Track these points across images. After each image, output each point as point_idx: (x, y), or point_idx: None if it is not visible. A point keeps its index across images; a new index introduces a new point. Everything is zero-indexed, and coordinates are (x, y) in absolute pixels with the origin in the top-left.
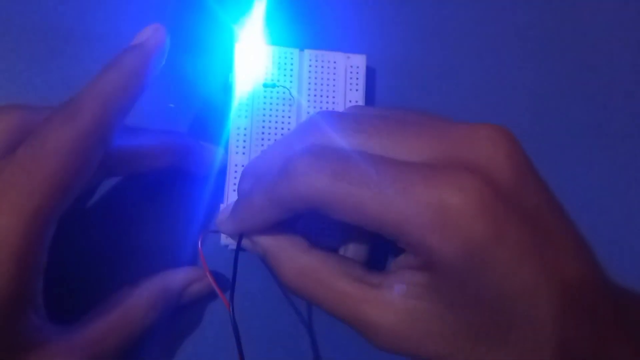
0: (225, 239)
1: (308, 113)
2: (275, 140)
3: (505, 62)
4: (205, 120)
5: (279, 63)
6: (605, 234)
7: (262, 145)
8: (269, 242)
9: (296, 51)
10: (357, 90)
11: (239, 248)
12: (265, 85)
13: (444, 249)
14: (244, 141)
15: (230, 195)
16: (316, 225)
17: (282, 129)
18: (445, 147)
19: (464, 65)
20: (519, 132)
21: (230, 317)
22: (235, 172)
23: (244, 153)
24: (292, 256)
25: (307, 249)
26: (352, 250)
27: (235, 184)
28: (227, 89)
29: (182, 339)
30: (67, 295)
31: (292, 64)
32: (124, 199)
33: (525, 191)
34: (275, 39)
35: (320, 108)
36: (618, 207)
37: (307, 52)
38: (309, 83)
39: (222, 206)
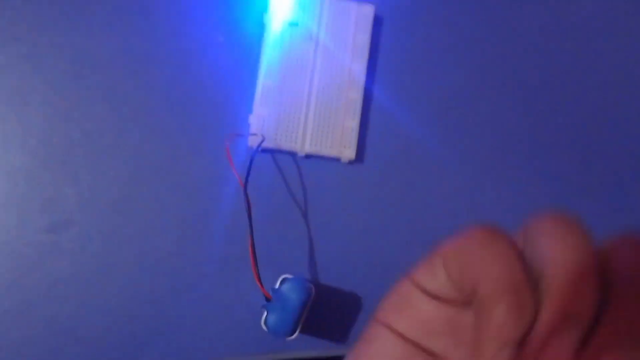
0: (251, 141)
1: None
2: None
3: (511, 11)
4: (246, 49)
5: (305, 7)
6: None
7: (288, 73)
8: None
9: None
10: (364, 33)
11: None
12: (290, 24)
13: None
14: (274, 68)
15: (257, 107)
16: None
17: (304, 63)
18: None
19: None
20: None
21: (243, 192)
22: (262, 92)
23: (273, 79)
24: None
25: None
26: None
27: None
28: (262, 25)
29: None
30: None
31: (314, 9)
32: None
33: None
34: None
35: (334, 45)
36: None
37: None
38: (327, 25)
39: (250, 117)
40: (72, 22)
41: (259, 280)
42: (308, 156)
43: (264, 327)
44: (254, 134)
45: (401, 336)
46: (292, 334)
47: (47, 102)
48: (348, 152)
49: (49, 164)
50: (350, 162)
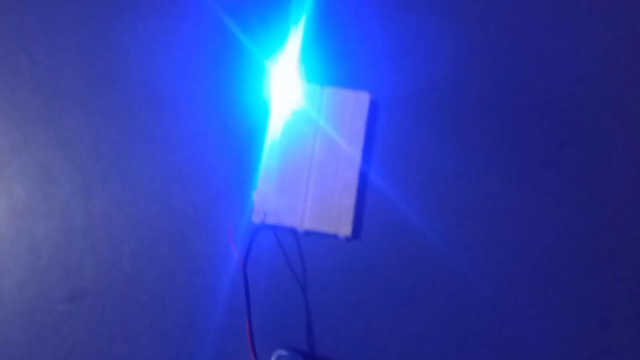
0: (255, 217)
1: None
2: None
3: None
4: (252, 132)
5: (306, 95)
6: None
7: (290, 156)
8: None
9: (318, 87)
10: (360, 119)
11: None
12: (293, 111)
13: None
14: (277, 150)
15: (261, 185)
16: None
17: (305, 145)
18: None
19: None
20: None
21: (242, 272)
22: (266, 171)
23: (276, 160)
24: None
25: None
26: None
27: (266, 185)
28: (267, 111)
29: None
30: None
31: (314, 97)
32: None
33: None
34: (304, 74)
35: (332, 130)
36: None
37: (326, 88)
38: (326, 111)
39: (254, 194)
40: (95, 108)
41: (255, 356)
42: (307, 232)
43: None
44: (257, 211)
45: None
46: None
47: (70, 180)
48: (345, 229)
49: (70, 238)
50: (347, 239)
